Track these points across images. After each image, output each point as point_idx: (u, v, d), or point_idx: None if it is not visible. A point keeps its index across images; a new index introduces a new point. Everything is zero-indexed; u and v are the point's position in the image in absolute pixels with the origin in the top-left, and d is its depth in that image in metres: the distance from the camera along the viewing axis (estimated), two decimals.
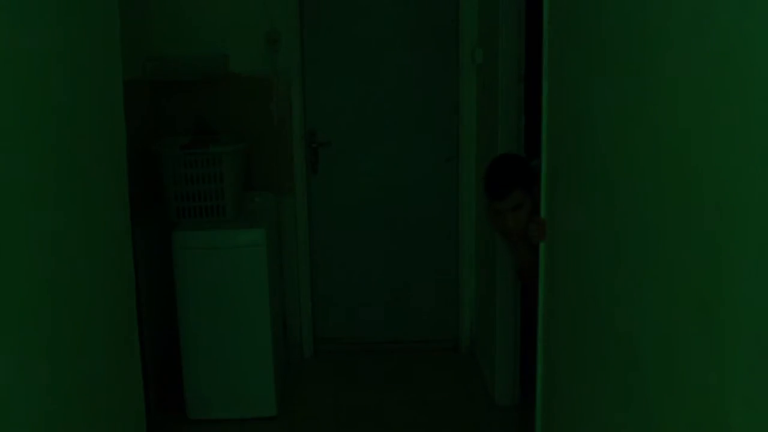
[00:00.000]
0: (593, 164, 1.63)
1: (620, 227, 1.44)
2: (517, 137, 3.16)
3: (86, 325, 1.52)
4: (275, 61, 3.70)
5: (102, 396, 1.62)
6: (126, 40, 1.97)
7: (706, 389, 1.08)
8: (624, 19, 1.41)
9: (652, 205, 1.27)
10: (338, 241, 4.01)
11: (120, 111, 1.78)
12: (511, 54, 3.09)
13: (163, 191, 3.23)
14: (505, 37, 3.08)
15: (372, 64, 3.86)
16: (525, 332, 3.19)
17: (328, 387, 3.65)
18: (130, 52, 3.09)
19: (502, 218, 2.67)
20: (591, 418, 1.69)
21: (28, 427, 1.23)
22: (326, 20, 3.82)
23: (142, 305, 3.02)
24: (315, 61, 3.82)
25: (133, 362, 1.86)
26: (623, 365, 1.44)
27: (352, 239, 4.01)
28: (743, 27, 0.95)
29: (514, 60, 3.09)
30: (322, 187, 3.94)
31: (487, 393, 3.49)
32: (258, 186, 3.77)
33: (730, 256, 0.99)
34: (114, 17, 1.74)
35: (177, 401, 3.28)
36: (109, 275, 1.69)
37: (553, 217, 2.01)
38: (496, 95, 3.17)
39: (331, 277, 4.03)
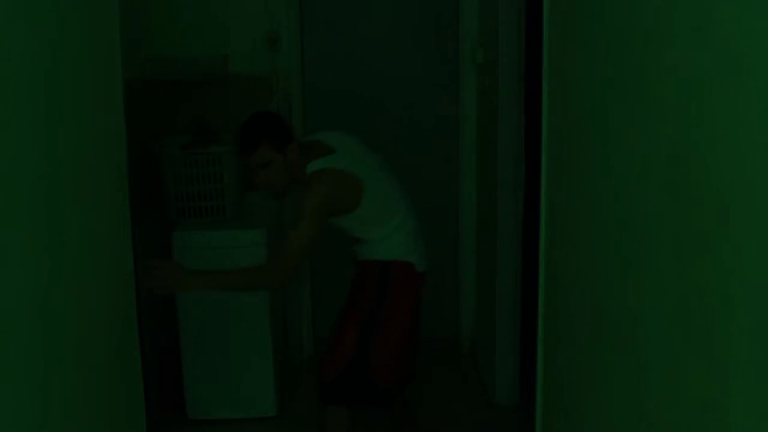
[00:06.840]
0: (594, 164, 1.63)
1: (621, 227, 1.44)
2: (518, 137, 3.16)
3: (86, 325, 1.52)
4: (275, 61, 3.70)
5: (102, 396, 1.62)
6: (126, 40, 1.97)
7: (707, 389, 1.07)
8: (624, 18, 1.41)
9: (653, 204, 1.27)
10: (338, 241, 4.01)
11: (120, 111, 1.78)
12: (511, 54, 3.09)
13: (163, 191, 3.23)
14: (505, 37, 3.08)
15: (372, 64, 3.86)
16: (524, 332, 3.19)
17: None
18: (130, 52, 3.09)
19: (255, 175, 2.57)
20: (591, 418, 1.69)
21: (27, 427, 1.23)
22: (326, 20, 3.82)
23: (142, 305, 3.02)
24: (315, 61, 3.82)
25: (133, 362, 1.85)
26: (623, 365, 1.44)
27: None
28: (744, 25, 0.95)
29: (514, 60, 3.09)
30: None
31: (487, 393, 3.48)
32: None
33: (731, 256, 0.99)
34: (114, 17, 1.74)
35: (177, 401, 3.28)
36: (109, 275, 1.69)
37: (553, 217, 2.01)
38: (496, 95, 3.17)
39: (331, 278, 4.02)
